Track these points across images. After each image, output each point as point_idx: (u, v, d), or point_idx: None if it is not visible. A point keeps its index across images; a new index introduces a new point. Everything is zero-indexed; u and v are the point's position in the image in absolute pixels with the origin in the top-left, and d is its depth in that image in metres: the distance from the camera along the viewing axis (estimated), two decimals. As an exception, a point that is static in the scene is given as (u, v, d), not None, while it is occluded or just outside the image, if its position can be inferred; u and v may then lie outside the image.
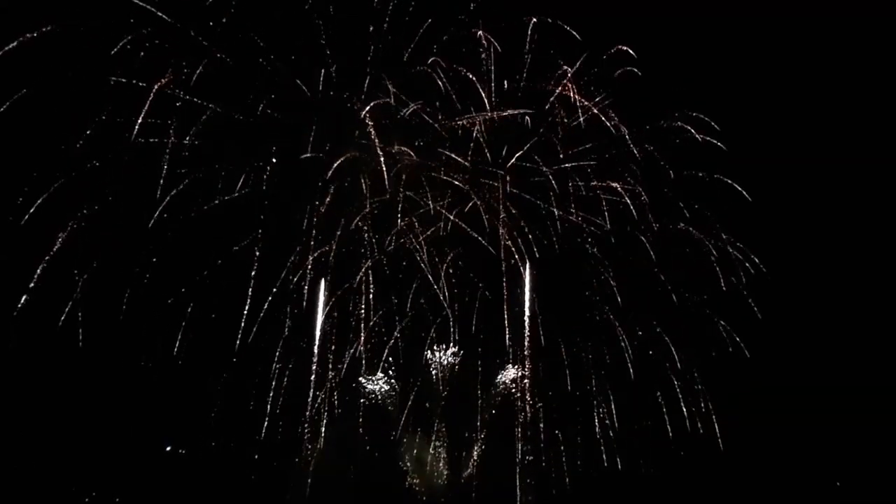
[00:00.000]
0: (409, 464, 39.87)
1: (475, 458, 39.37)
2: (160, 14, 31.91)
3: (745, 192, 35.15)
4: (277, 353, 35.51)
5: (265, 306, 34.85)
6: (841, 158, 40.32)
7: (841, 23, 39.02)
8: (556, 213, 35.59)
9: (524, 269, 35.34)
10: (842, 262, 41.96)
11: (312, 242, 34.42)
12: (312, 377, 35.59)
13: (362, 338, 35.96)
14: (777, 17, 39.01)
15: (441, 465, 39.56)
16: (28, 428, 34.94)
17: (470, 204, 35.00)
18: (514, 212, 35.59)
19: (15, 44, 29.15)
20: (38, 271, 31.42)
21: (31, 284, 31.27)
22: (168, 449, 39.31)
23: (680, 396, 36.49)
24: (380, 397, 37.73)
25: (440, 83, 35.16)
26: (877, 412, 41.61)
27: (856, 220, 42.43)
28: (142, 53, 31.40)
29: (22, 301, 31.14)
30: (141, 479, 37.31)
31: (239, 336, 34.30)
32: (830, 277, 42.12)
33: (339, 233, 35.30)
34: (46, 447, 35.49)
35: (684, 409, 36.56)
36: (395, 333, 36.66)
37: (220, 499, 37.94)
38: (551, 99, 35.40)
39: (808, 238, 40.78)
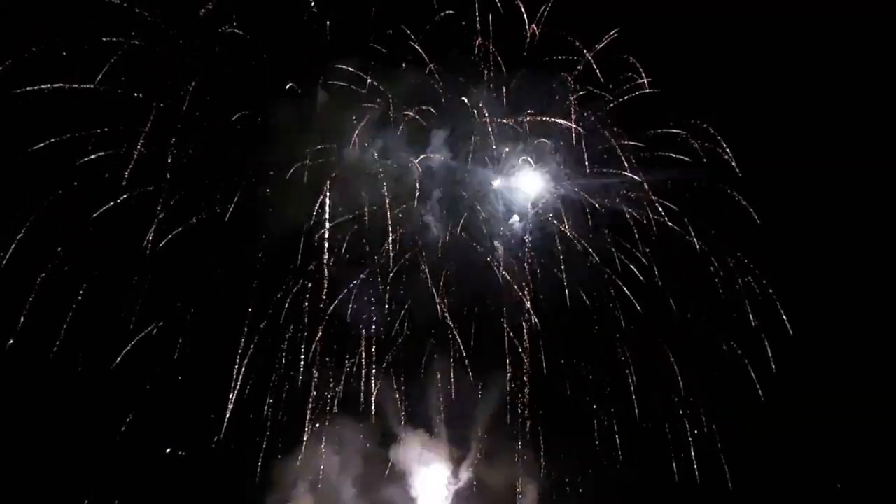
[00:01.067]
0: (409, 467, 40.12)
1: (475, 462, 39.57)
2: (152, 19, 31.72)
3: (751, 209, 34.80)
4: (279, 353, 35.61)
5: (267, 308, 35.25)
6: (850, 165, 39.62)
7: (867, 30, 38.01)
8: (555, 222, 35.33)
9: (524, 280, 35.24)
10: (839, 263, 41.39)
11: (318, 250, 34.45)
12: (313, 381, 35.76)
13: (362, 345, 36.02)
14: (791, 22, 38.06)
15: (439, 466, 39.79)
16: (28, 429, 35.12)
17: (465, 214, 34.89)
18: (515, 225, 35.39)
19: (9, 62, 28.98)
20: (39, 280, 31.63)
21: (32, 294, 31.51)
22: (168, 450, 39.52)
23: (683, 416, 36.48)
24: (380, 403, 37.73)
25: (439, 89, 34.98)
26: (877, 412, 41.37)
27: (856, 224, 41.83)
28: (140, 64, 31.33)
29: (26, 305, 31.35)
30: (141, 480, 37.53)
31: (241, 343, 34.55)
32: (828, 277, 41.55)
33: (339, 238, 35.23)
34: (46, 448, 35.71)
35: (687, 426, 36.56)
36: (398, 339, 36.77)
37: (220, 501, 38.23)
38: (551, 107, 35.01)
39: (813, 246, 40.22)
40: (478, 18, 34.38)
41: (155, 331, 33.95)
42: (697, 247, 34.90)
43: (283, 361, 35.51)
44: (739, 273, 35.48)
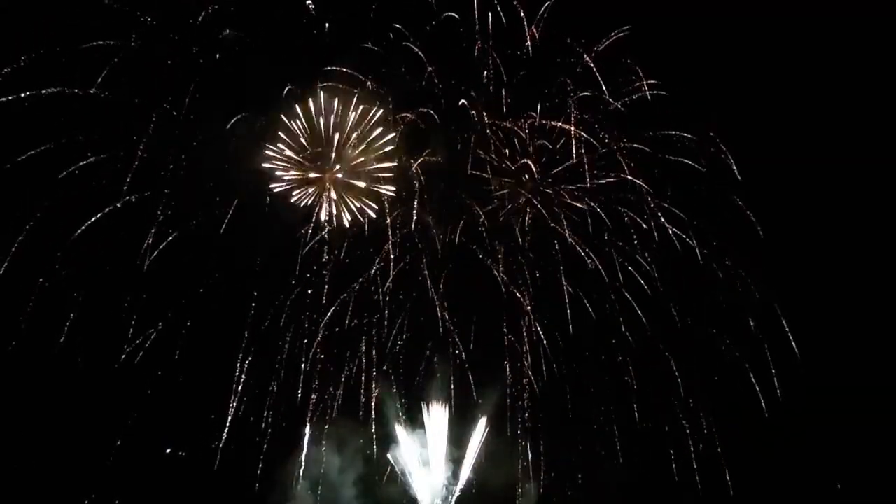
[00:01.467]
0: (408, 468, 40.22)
1: (475, 462, 39.70)
2: (151, 22, 31.65)
3: (752, 215, 34.74)
4: (278, 359, 35.71)
5: (267, 311, 35.39)
6: (851, 171, 39.48)
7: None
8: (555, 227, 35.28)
9: (525, 287, 35.25)
10: (839, 268, 41.31)
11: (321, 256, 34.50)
12: (314, 384, 35.86)
13: (362, 348, 36.08)
14: (794, 26, 37.80)
15: None
16: (29, 430, 35.24)
17: (462, 222, 34.87)
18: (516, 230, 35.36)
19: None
20: (39, 282, 31.72)
21: (32, 297, 31.62)
22: (168, 451, 39.64)
23: (683, 419, 36.56)
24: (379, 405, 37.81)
25: (438, 92, 34.94)
26: (877, 412, 41.36)
27: (856, 230, 41.69)
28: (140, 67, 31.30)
29: (28, 307, 31.57)
30: (140, 480, 37.67)
31: (242, 346, 34.63)
32: (827, 280, 41.47)
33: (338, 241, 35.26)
34: (48, 449, 35.83)
35: (687, 429, 36.64)
36: (398, 342, 36.83)
37: (221, 501, 38.35)
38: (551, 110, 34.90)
39: (813, 250, 40.16)
40: (477, 21, 34.36)
41: (154, 334, 33.90)
42: (698, 252, 34.91)
43: (284, 365, 35.71)
44: (740, 278, 35.56)
